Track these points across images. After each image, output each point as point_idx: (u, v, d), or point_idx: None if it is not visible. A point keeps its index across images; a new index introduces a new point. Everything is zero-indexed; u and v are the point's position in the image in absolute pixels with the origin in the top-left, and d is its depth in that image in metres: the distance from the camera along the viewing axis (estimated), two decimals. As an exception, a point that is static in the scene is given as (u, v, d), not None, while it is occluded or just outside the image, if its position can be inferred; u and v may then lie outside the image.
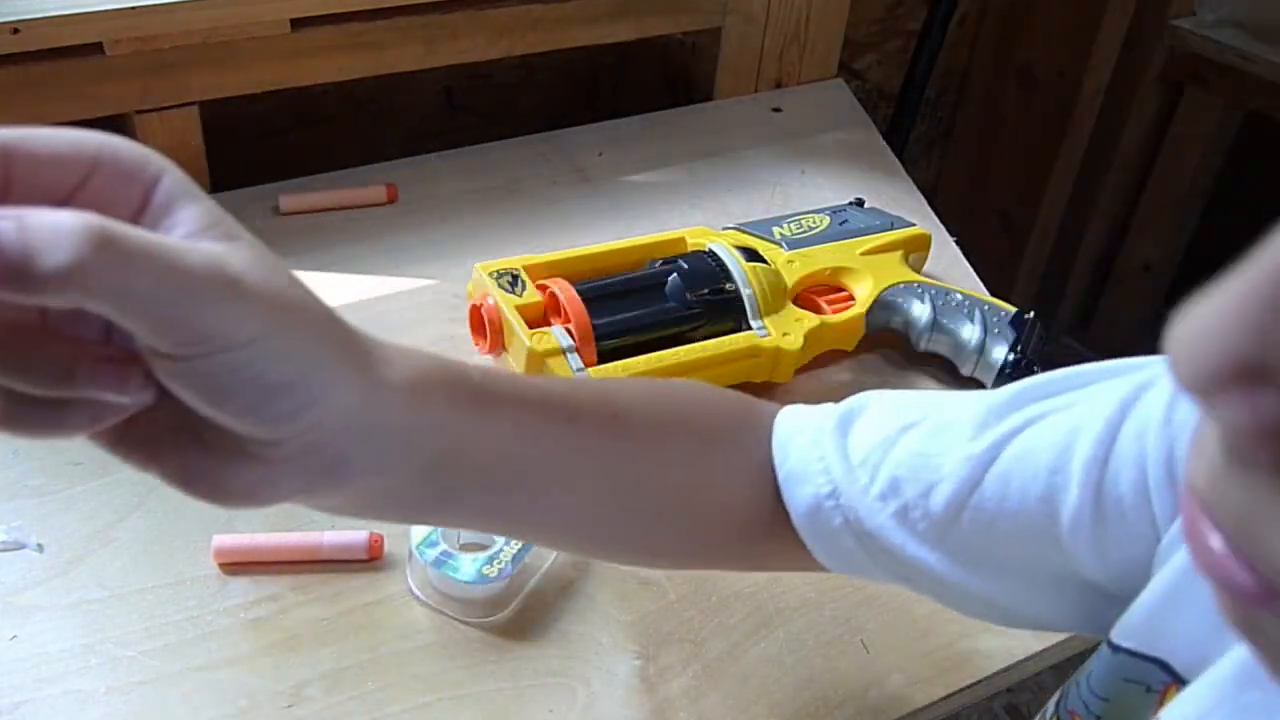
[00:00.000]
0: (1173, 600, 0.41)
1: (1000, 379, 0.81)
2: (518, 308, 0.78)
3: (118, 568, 0.66)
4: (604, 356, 0.77)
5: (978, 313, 0.84)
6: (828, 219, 0.92)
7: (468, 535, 0.67)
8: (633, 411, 0.49)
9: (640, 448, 0.49)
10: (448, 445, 0.41)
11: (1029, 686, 1.46)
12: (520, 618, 0.65)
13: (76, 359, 0.33)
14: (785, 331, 0.81)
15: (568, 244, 0.87)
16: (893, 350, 0.88)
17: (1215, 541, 0.24)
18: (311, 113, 1.12)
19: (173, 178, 0.35)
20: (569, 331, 0.76)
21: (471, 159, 1.04)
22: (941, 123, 1.73)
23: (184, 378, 0.33)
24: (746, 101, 1.18)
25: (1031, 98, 1.64)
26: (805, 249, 0.88)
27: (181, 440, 0.36)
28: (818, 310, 0.85)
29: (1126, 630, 0.43)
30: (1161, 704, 0.41)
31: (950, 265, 0.98)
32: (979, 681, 0.66)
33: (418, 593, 0.65)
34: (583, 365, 0.76)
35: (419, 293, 0.88)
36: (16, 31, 0.82)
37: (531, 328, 0.77)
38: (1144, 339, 0.26)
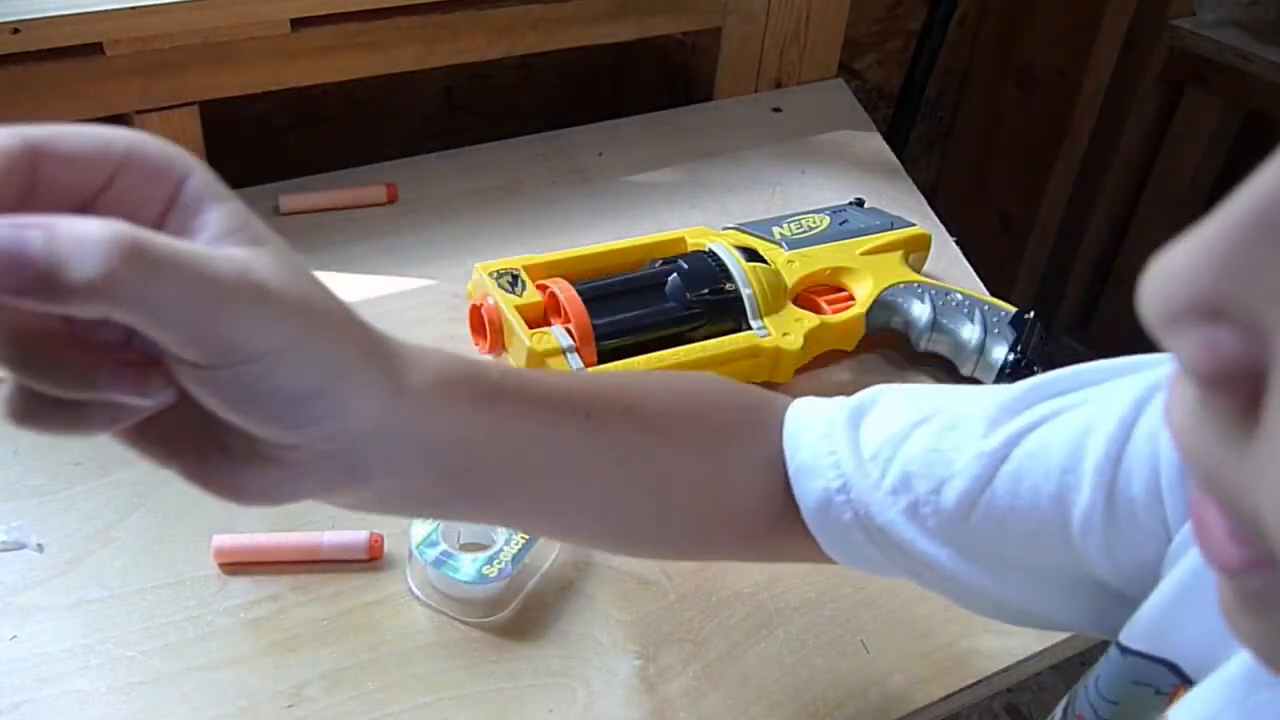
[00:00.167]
0: (1182, 601, 0.41)
1: (1000, 379, 0.81)
2: (518, 308, 0.78)
3: (118, 568, 0.66)
4: (604, 356, 0.77)
5: (978, 313, 0.84)
6: (828, 219, 0.92)
7: (468, 535, 0.67)
8: (647, 406, 0.49)
9: (655, 442, 0.49)
10: (467, 445, 0.42)
11: (1029, 686, 1.46)
12: (520, 618, 0.65)
13: (98, 363, 0.33)
14: (785, 331, 0.81)
15: (568, 244, 0.87)
16: (893, 350, 0.88)
17: (1207, 508, 0.25)
18: (311, 113, 1.12)
19: (200, 177, 0.35)
20: (569, 331, 0.76)
21: (471, 159, 1.04)
22: (941, 123, 1.73)
23: (206, 385, 0.33)
24: (746, 101, 1.18)
25: (1031, 98, 1.64)
26: (805, 249, 0.88)
27: (200, 439, 0.36)
28: (818, 310, 0.85)
29: (1136, 632, 0.43)
30: (1170, 707, 0.41)
31: (950, 265, 0.98)
32: (979, 681, 0.66)
33: (418, 593, 0.65)
34: (583, 365, 0.76)
35: (419, 293, 0.88)
36: (16, 31, 0.82)
37: (531, 328, 0.77)
38: (1144, 339, 0.27)
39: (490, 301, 0.79)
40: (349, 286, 0.88)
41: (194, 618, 0.63)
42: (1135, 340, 0.35)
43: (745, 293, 0.81)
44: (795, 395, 0.55)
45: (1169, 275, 0.23)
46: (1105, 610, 0.47)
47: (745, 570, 0.69)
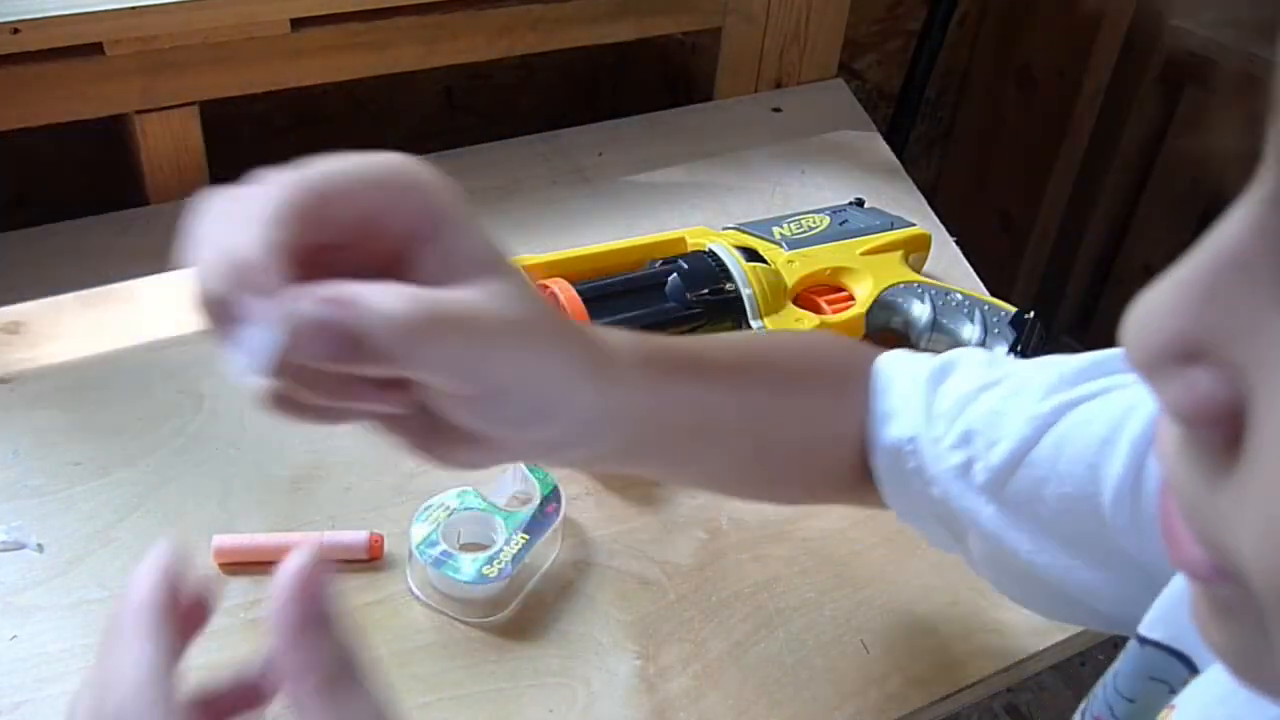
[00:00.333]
0: None
1: (1000, 379, 0.81)
2: (518, 308, 0.78)
3: (118, 568, 0.66)
4: (604, 356, 0.77)
5: (978, 313, 0.84)
6: (828, 219, 0.92)
7: (468, 535, 0.67)
8: (776, 366, 0.54)
9: (775, 401, 0.53)
10: (650, 417, 0.47)
11: (1029, 686, 1.46)
12: (520, 618, 0.65)
13: (352, 378, 0.37)
14: (785, 331, 0.81)
15: (568, 244, 0.87)
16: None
17: (1176, 516, 0.25)
18: (311, 113, 1.12)
19: (456, 211, 0.39)
20: (569, 331, 0.76)
21: (471, 159, 1.04)
22: (941, 123, 1.73)
23: (459, 408, 0.39)
24: (746, 101, 1.18)
25: (1031, 98, 1.64)
26: (805, 249, 0.88)
27: (420, 421, 0.40)
28: (818, 310, 0.85)
29: (1154, 621, 0.44)
30: None
31: (950, 265, 0.98)
32: (979, 681, 0.66)
33: (418, 593, 0.65)
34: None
35: (419, 293, 0.88)
36: (16, 31, 0.82)
37: (531, 328, 0.77)
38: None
39: (490, 301, 0.79)
40: (349, 286, 0.88)
41: (194, 618, 0.63)
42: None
43: (745, 293, 0.81)
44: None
45: (1147, 318, 0.24)
46: (1133, 591, 0.47)
47: (745, 570, 0.70)
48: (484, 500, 0.68)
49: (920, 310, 0.85)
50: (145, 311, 0.83)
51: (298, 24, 0.93)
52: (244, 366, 0.34)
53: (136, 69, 0.88)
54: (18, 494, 0.69)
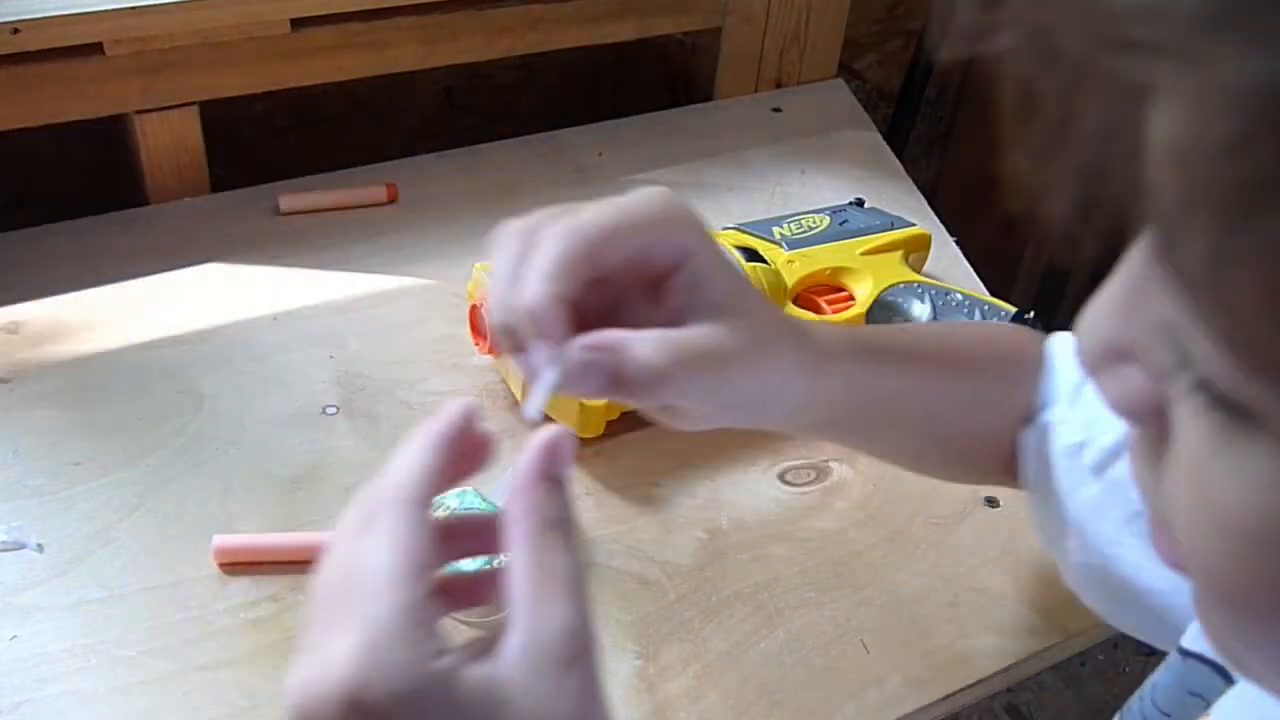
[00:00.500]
0: None
1: (1000, 379, 0.81)
2: (518, 308, 0.78)
3: (118, 568, 0.66)
4: (604, 356, 0.77)
5: (978, 313, 0.84)
6: (828, 219, 0.92)
7: (468, 535, 0.67)
8: (955, 354, 0.59)
9: (950, 386, 0.57)
10: (841, 400, 0.53)
11: (1029, 686, 1.46)
12: (520, 618, 0.65)
13: None
14: (785, 331, 0.81)
15: (568, 244, 0.87)
16: (893, 350, 0.88)
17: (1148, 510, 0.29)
18: (311, 113, 1.12)
19: (703, 244, 0.46)
20: (569, 331, 0.76)
21: (471, 159, 1.04)
22: (941, 123, 1.73)
23: (697, 418, 0.48)
24: (746, 101, 1.18)
25: (1032, 97, 1.63)
26: (805, 249, 0.88)
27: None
28: (818, 310, 0.85)
29: (1197, 632, 0.44)
30: None
31: (950, 265, 0.98)
32: (979, 681, 0.66)
33: (418, 593, 0.65)
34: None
35: (419, 293, 0.88)
36: (16, 31, 0.82)
37: (531, 328, 0.77)
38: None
39: (490, 301, 0.79)
40: (349, 286, 0.88)
41: (194, 618, 0.63)
42: (1134, 340, 0.36)
43: (745, 293, 0.81)
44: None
45: (1088, 325, 0.28)
46: None
47: (745, 570, 0.70)
48: (484, 500, 0.68)
49: (920, 310, 0.85)
50: (145, 311, 0.83)
51: (298, 24, 0.93)
52: (534, 408, 0.43)
53: (136, 69, 0.88)
54: (18, 494, 0.69)
